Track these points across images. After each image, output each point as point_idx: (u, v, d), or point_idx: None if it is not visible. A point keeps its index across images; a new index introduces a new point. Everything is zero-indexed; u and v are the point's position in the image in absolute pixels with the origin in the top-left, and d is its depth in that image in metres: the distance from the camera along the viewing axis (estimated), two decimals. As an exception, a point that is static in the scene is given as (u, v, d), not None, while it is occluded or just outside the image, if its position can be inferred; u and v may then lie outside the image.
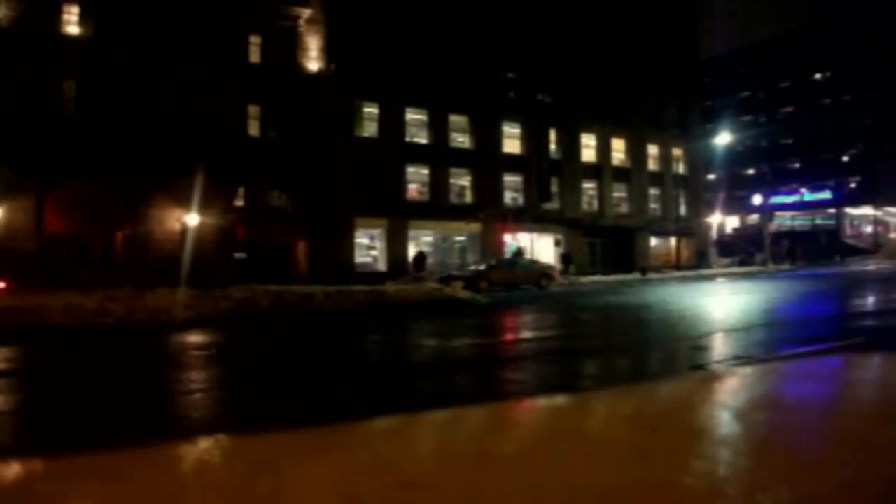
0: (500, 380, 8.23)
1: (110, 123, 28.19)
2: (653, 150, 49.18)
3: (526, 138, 42.32)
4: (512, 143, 42.16)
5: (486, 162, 40.26)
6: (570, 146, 44.49)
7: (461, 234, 40.15)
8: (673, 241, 49.86)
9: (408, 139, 38.01)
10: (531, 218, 41.89)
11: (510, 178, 42.01)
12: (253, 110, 32.38)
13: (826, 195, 66.32)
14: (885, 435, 4.44)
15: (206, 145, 29.03)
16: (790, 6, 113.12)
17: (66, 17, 28.67)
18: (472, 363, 9.64)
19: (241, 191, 32.29)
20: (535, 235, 42.58)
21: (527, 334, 13.25)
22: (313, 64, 34.06)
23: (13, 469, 4.31)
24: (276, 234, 32.35)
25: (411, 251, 36.97)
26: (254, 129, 32.55)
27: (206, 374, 9.08)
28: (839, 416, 5.14)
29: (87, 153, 27.37)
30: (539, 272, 31.48)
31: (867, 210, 65.70)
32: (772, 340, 10.75)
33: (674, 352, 10.38)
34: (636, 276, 40.34)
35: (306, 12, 33.57)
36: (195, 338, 13.29)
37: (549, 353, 10.43)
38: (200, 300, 18.23)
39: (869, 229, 66.17)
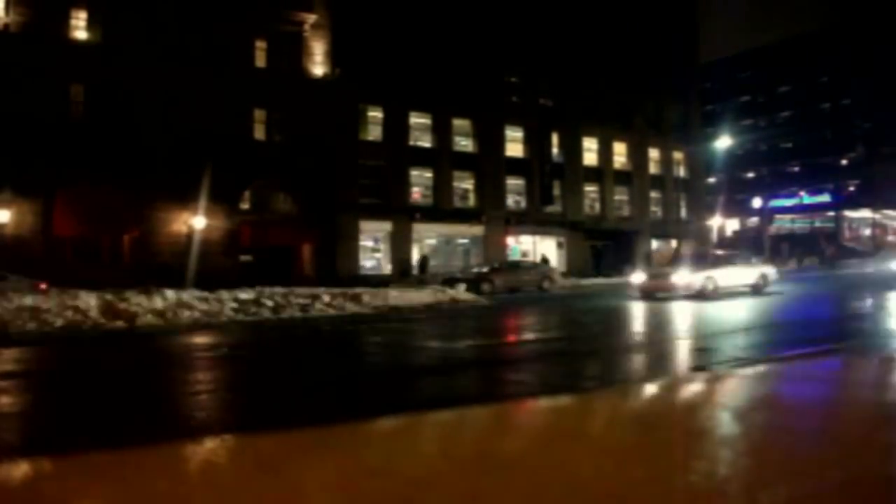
0: (503, 381, 8.36)
1: (118, 127, 28.50)
2: (654, 153, 49.40)
3: (528, 142, 42.59)
4: (514, 146, 42.42)
5: (489, 165, 40.55)
6: (572, 149, 44.77)
7: (464, 236, 40.44)
8: (674, 243, 50.07)
9: (411, 143, 38.31)
10: (533, 221, 42.17)
11: (513, 182, 42.29)
12: (259, 114, 32.66)
13: (825, 198, 66.54)
14: (885, 437, 4.49)
15: (213, 149, 29.34)
16: (790, 11, 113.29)
17: (74, 21, 28.95)
18: (475, 364, 9.77)
19: (246, 194, 32.58)
20: (537, 238, 42.82)
21: (529, 336, 13.43)
22: (318, 68, 34.36)
23: (21, 469, 4.33)
24: (281, 236, 32.61)
25: (415, 254, 37.29)
26: (259, 132, 32.83)
27: (212, 376, 9.29)
28: (839, 418, 5.19)
29: (95, 156, 27.68)
30: (541, 275, 31.72)
31: (865, 213, 65.95)
32: (772, 342, 10.93)
33: (675, 353, 10.52)
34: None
35: (311, 17, 33.86)
36: (202, 339, 13.50)
37: (551, 354, 10.61)
38: (207, 302, 18.49)
39: (867, 232, 66.37)
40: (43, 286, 21.00)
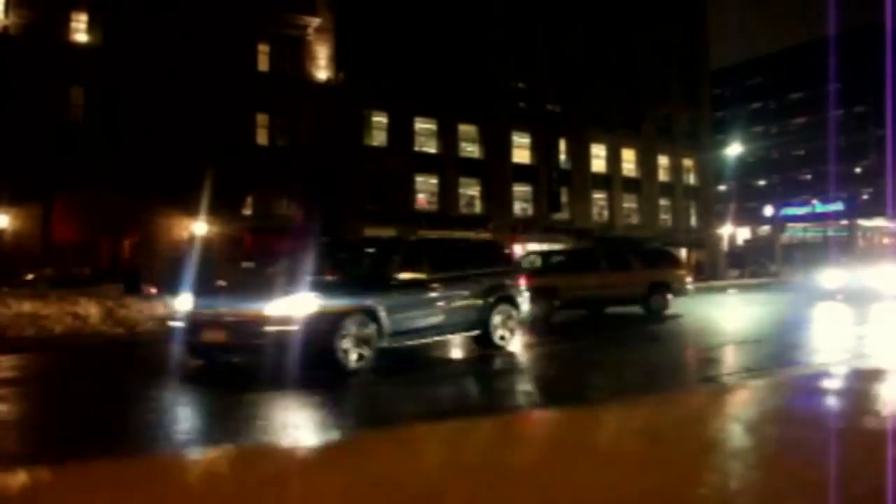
0: (509, 390, 8.27)
1: (118, 131, 28.27)
2: (663, 160, 49.04)
3: (535, 148, 42.31)
4: (521, 152, 42.14)
5: (496, 172, 40.22)
6: (580, 156, 44.39)
7: (470, 243, 40.01)
8: (684, 252, 49.56)
9: (417, 148, 38.05)
10: (540, 228, 41.76)
11: (520, 188, 41.98)
12: (261, 119, 32.46)
13: (838, 207, 65.85)
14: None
15: (214, 153, 29.01)
16: (802, 17, 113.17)
17: (74, 24, 28.82)
18: (476, 372, 9.62)
19: (249, 199, 32.31)
20: (544, 246, 42.36)
21: (533, 341, 13.05)
22: (322, 73, 34.08)
23: (18, 478, 4.26)
24: (283, 243, 32.23)
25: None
26: (262, 137, 32.61)
27: (212, 382, 8.99)
28: (850, 431, 5.11)
29: (95, 160, 27.38)
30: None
31: (879, 222, 65.29)
32: (782, 353, 10.56)
33: (685, 364, 10.34)
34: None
35: (315, 21, 33.62)
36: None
37: (561, 361, 10.54)
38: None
39: (885, 241, 65.69)
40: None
